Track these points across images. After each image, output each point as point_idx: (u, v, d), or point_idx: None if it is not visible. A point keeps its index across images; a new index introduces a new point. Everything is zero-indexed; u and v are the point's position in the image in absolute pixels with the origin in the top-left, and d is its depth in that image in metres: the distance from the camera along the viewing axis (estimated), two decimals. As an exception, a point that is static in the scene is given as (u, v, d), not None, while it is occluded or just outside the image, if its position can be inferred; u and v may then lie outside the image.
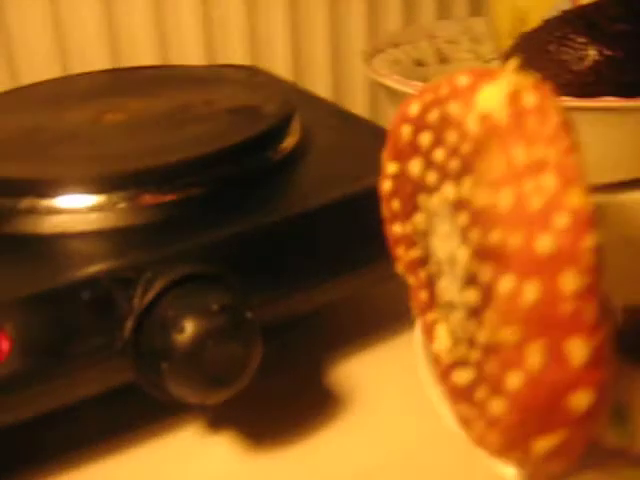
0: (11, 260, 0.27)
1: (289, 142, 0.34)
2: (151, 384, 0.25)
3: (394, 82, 0.39)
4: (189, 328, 0.24)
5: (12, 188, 0.29)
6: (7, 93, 0.37)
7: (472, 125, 0.15)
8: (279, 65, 0.51)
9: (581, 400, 0.14)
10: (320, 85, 0.53)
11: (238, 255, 0.29)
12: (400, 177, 0.19)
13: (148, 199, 0.29)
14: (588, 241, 0.14)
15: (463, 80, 0.16)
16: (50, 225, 0.29)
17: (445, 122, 0.16)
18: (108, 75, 0.39)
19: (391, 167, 0.19)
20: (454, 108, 0.16)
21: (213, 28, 0.48)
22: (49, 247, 0.28)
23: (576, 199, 0.14)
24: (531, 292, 0.14)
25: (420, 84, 0.38)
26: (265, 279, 0.29)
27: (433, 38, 0.47)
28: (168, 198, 0.30)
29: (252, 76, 0.41)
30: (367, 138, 0.35)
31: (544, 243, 0.14)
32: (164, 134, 0.33)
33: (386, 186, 0.19)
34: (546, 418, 0.14)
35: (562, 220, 0.14)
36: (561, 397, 0.14)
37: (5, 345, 0.24)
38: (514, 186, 0.14)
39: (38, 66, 0.44)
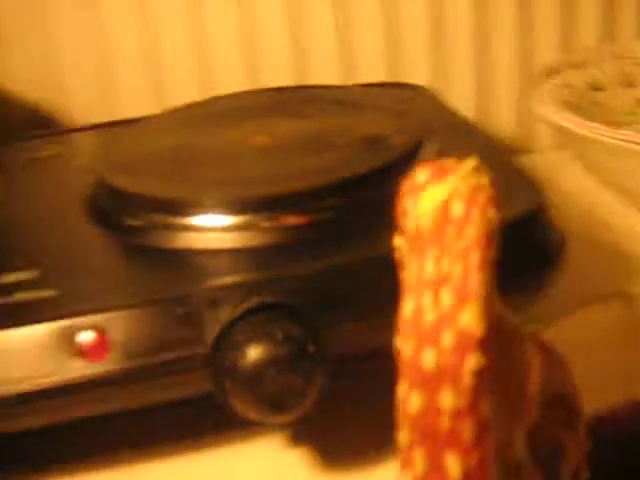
0: (133, 270, 0.31)
1: None
2: (222, 398, 0.28)
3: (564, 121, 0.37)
4: (252, 354, 0.27)
5: (152, 205, 0.33)
6: (158, 115, 0.42)
7: (409, 225, 0.16)
8: (461, 85, 0.51)
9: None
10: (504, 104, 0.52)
11: (353, 284, 0.30)
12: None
13: (268, 223, 0.32)
14: (470, 363, 0.14)
15: (421, 175, 0.16)
16: (178, 241, 0.32)
17: (403, 215, 0.17)
18: (258, 95, 0.42)
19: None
20: (408, 203, 0.16)
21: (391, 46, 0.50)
22: (170, 261, 0.32)
23: (467, 319, 0.14)
24: (415, 402, 0.14)
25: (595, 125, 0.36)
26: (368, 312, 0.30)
27: (620, 59, 0.45)
28: (290, 222, 0.32)
29: (408, 98, 0.42)
30: (506, 181, 0.34)
31: (429, 358, 0.14)
32: (298, 159, 0.35)
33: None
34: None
35: (448, 338, 0.14)
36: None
37: (106, 347, 0.28)
38: (416, 295, 0.15)
39: (181, 87, 0.48)
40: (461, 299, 0.14)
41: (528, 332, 0.18)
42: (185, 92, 0.48)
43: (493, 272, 0.15)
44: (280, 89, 0.43)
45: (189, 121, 0.39)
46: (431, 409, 0.14)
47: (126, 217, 0.34)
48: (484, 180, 0.16)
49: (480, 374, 0.14)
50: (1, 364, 0.27)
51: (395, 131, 0.36)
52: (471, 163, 0.16)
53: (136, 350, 0.28)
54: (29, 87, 0.46)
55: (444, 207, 0.15)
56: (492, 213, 0.15)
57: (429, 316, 0.14)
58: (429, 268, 0.15)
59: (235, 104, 0.41)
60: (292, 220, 0.32)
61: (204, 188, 0.34)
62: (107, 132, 0.41)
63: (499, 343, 0.16)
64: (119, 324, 0.28)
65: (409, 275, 0.15)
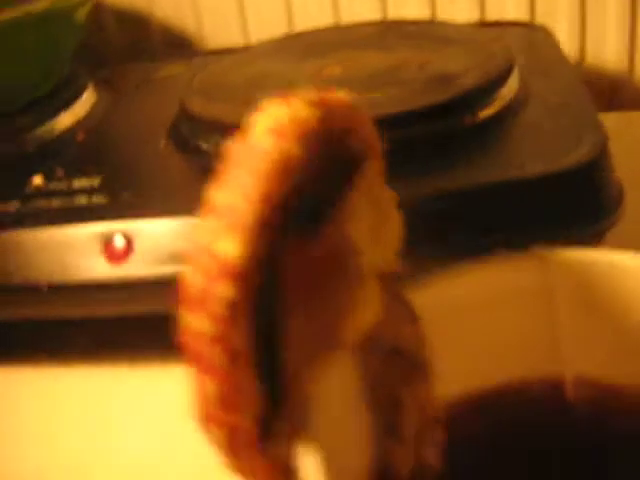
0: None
1: (487, 111, 0.33)
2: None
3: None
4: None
5: (221, 129, 0.35)
6: (252, 46, 0.43)
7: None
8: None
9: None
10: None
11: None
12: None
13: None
14: (224, 291, 0.14)
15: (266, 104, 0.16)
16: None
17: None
18: (347, 29, 0.42)
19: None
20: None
21: None
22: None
23: (228, 248, 0.14)
24: (184, 322, 0.15)
25: None
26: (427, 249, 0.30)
27: None
28: None
29: (512, 37, 0.39)
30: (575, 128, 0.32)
31: (195, 281, 0.14)
32: (364, 91, 0.35)
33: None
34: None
35: (210, 264, 0.14)
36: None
37: (132, 252, 0.31)
38: (203, 218, 0.15)
39: (267, 23, 0.48)
40: (228, 227, 0.14)
41: (380, 280, 0.17)
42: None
43: (283, 208, 0.15)
44: (371, 24, 0.43)
45: (275, 52, 0.40)
46: (194, 332, 0.14)
47: (199, 140, 0.36)
48: (311, 115, 0.15)
49: (233, 304, 0.14)
50: (45, 257, 0.31)
51: (469, 69, 0.34)
52: (310, 96, 0.16)
53: (160, 259, 0.31)
54: (165, 8, 0.50)
55: (252, 135, 0.15)
56: (295, 149, 0.15)
57: (203, 240, 0.14)
58: (220, 193, 0.15)
59: (325, 37, 0.41)
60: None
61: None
62: (215, 58, 0.43)
63: (316, 279, 0.16)
64: (147, 233, 0.31)
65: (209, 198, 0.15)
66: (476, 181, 0.30)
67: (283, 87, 0.37)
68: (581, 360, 0.20)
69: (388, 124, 0.32)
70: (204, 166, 0.35)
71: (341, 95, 0.17)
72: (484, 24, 0.44)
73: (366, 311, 0.17)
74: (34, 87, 0.39)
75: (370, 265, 0.18)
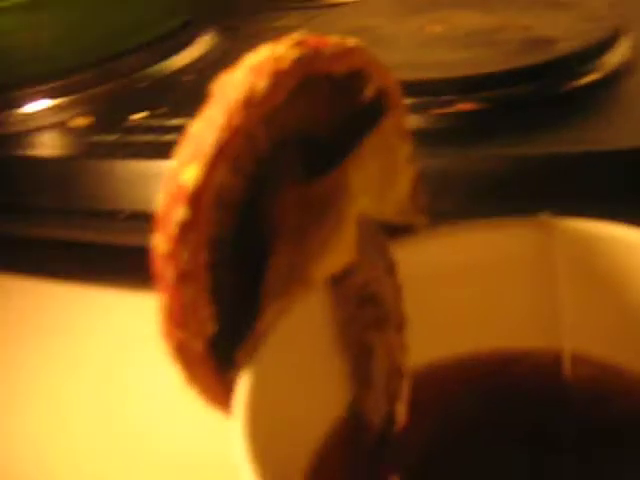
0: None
1: (588, 78, 0.32)
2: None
3: None
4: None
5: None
6: (356, 2, 0.43)
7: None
8: None
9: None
10: None
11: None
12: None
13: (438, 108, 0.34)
14: (177, 214, 0.15)
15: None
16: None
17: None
18: None
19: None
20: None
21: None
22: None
23: (187, 175, 0.15)
24: (153, 240, 0.16)
25: None
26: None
27: None
28: (458, 109, 0.33)
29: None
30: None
31: (159, 202, 0.15)
32: (463, 50, 0.35)
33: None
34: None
35: (170, 188, 0.15)
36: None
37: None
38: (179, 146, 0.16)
39: None
40: (192, 155, 0.15)
41: (365, 228, 0.17)
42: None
43: (249, 137, 0.15)
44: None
45: (382, 8, 0.40)
46: (155, 251, 0.15)
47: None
48: (288, 54, 0.16)
49: (184, 226, 0.15)
50: (131, 187, 0.33)
51: (571, 35, 0.33)
52: (298, 36, 0.16)
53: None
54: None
55: (231, 71, 0.16)
56: (262, 84, 0.15)
57: (172, 166, 0.15)
58: (194, 124, 0.16)
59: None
60: (461, 107, 0.33)
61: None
62: (328, 10, 0.44)
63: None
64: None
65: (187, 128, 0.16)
66: (564, 149, 0.29)
67: (388, 42, 0.37)
68: (580, 336, 0.19)
69: (483, 84, 0.33)
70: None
71: (352, 42, 0.17)
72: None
73: (340, 254, 0.17)
74: (154, 26, 0.41)
75: (362, 211, 0.18)
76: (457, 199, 0.31)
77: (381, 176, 0.19)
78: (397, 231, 0.20)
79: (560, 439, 0.19)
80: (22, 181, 0.37)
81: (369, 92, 0.19)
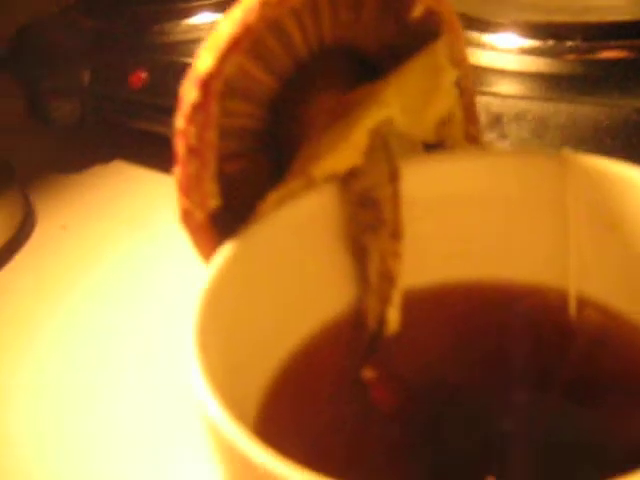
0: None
1: None
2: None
3: None
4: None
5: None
6: None
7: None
8: None
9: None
10: None
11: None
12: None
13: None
14: (190, 95, 0.17)
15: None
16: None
17: None
18: None
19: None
20: None
21: None
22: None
23: (200, 62, 0.17)
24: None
25: None
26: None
27: None
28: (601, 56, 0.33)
29: None
30: None
31: (181, 88, 0.18)
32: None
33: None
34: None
35: (189, 74, 0.17)
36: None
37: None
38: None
39: None
40: (209, 47, 0.17)
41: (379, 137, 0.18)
42: None
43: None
44: None
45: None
46: (175, 129, 0.18)
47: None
48: None
49: (194, 107, 0.17)
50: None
51: None
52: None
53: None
54: None
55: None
56: (252, 17, 0.17)
57: (195, 58, 0.18)
58: (219, 24, 0.18)
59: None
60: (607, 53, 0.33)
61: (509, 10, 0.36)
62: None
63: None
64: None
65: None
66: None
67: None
68: (588, 279, 0.19)
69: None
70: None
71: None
72: None
73: (345, 157, 0.18)
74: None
75: (386, 122, 0.19)
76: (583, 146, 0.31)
77: (421, 95, 0.20)
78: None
79: (556, 379, 0.19)
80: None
81: (416, 12, 0.20)
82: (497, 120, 0.32)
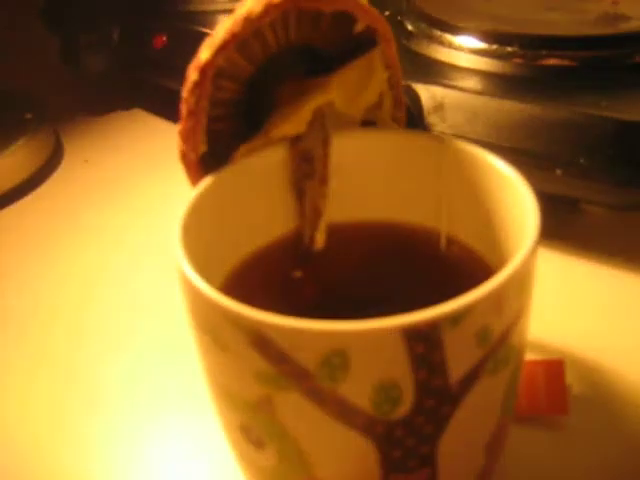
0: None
1: None
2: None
3: None
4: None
5: (431, 21, 0.45)
6: None
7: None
8: None
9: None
10: None
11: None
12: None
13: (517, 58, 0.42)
14: (192, 76, 0.26)
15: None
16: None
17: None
18: None
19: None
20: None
21: None
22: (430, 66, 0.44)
23: (202, 54, 0.25)
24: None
25: None
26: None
27: None
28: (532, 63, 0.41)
29: None
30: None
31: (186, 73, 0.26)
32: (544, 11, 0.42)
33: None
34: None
35: (194, 61, 0.26)
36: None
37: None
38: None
39: None
40: (209, 43, 0.25)
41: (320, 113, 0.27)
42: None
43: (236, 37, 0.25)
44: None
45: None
46: (181, 98, 0.26)
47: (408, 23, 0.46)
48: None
49: (195, 84, 0.25)
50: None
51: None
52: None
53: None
54: None
55: (248, -2, 0.26)
56: (257, 9, 0.25)
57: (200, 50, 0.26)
58: (221, 22, 0.26)
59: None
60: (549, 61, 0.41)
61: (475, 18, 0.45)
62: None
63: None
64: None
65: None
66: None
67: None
68: (456, 225, 0.28)
69: (555, 45, 0.40)
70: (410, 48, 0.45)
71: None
72: None
73: (294, 125, 0.27)
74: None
75: (329, 104, 0.28)
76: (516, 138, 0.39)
77: (357, 86, 0.29)
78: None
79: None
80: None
81: (359, 27, 0.28)
82: (440, 106, 0.41)
